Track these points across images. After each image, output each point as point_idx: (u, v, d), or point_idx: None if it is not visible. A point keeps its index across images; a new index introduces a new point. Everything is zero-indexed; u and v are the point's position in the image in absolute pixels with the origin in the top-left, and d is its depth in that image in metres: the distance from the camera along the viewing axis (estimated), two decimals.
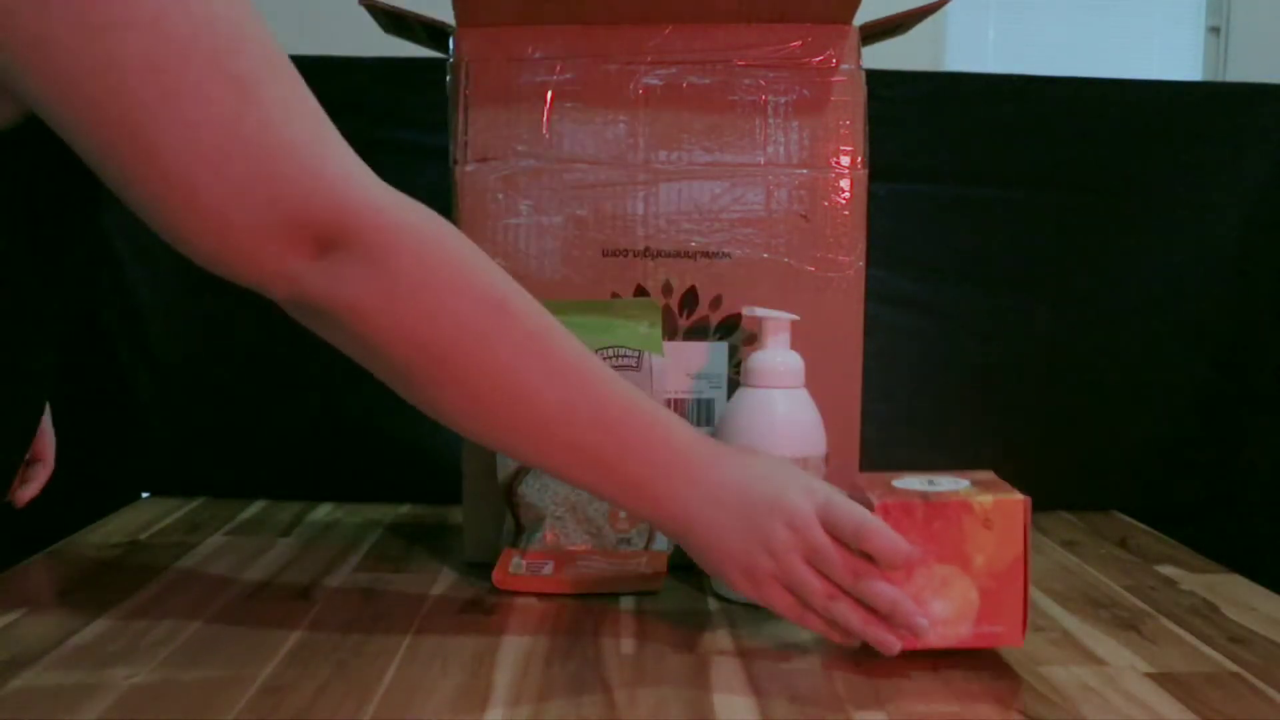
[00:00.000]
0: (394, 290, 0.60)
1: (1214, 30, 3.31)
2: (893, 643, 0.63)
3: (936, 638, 0.65)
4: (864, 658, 0.66)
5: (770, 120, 0.84)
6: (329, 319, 0.62)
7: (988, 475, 0.69)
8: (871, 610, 0.64)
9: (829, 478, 0.78)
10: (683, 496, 0.65)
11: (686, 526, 0.66)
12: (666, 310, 0.83)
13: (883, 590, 0.63)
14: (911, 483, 0.67)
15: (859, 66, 0.84)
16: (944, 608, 0.65)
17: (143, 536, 0.92)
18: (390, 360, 0.63)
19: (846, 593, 0.64)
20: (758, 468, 0.67)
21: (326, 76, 1.03)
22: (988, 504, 0.64)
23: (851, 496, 0.68)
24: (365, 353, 0.63)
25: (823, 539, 0.63)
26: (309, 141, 0.59)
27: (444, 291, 0.61)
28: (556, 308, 0.82)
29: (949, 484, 0.67)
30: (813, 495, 0.64)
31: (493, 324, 0.63)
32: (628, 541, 0.79)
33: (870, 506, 0.65)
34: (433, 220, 0.63)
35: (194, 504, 1.03)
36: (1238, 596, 0.81)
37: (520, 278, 0.83)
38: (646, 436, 0.65)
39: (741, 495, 0.65)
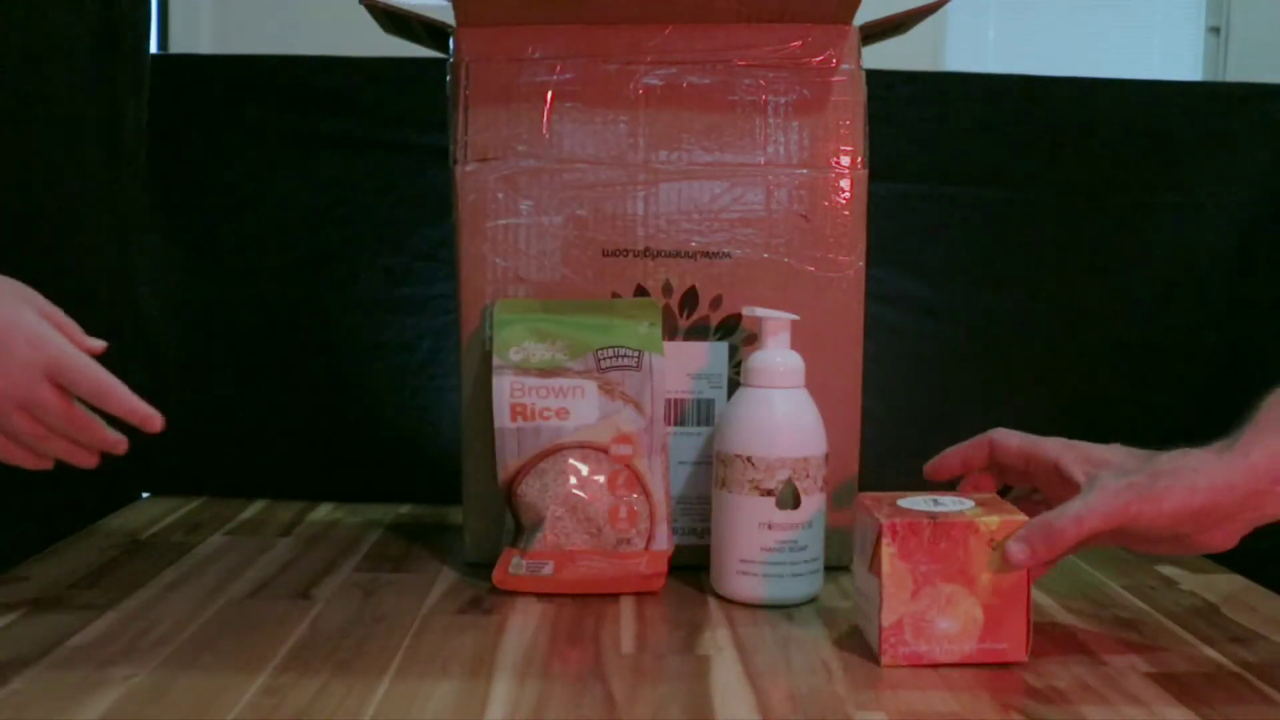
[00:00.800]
0: None
1: (1214, 30, 3.31)
2: (88, 457, 0.70)
3: (942, 653, 0.65)
4: (863, 657, 0.67)
5: (770, 120, 0.84)
6: None
7: (990, 495, 0.70)
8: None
9: (829, 478, 0.78)
10: None
11: None
12: (666, 310, 0.83)
13: (98, 434, 0.69)
14: (917, 502, 0.68)
15: (859, 66, 0.84)
16: (949, 625, 0.65)
17: (143, 536, 0.92)
18: None
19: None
20: None
21: (327, 76, 1.04)
22: (994, 525, 0.65)
23: (859, 516, 0.69)
24: None
25: (45, 398, 0.67)
26: None
27: None
28: (557, 308, 0.83)
29: (953, 504, 0.68)
30: (40, 349, 0.66)
31: None
32: (628, 541, 0.79)
33: (878, 526, 0.65)
34: None
35: (194, 504, 1.03)
36: (1238, 596, 0.81)
37: (520, 278, 0.84)
38: None
39: None
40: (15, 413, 0.67)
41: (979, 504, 0.68)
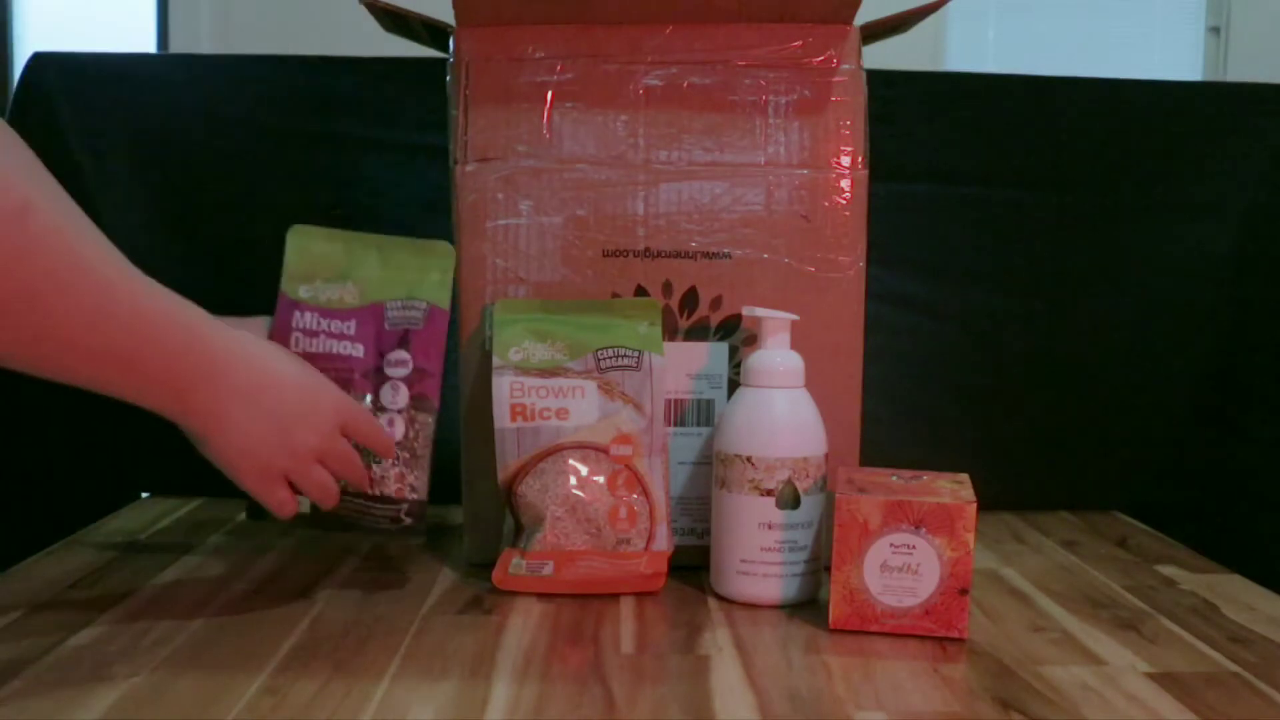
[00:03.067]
0: None
1: (1214, 30, 3.31)
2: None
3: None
4: (864, 657, 0.67)
5: (770, 120, 0.84)
6: None
7: (962, 476, 0.74)
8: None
9: (829, 479, 0.78)
10: (214, 396, 0.67)
11: (216, 426, 0.68)
12: (666, 310, 0.83)
13: (365, 475, 0.75)
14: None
15: (859, 66, 0.84)
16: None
17: (143, 536, 0.92)
18: None
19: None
20: (292, 374, 0.71)
21: (327, 76, 1.04)
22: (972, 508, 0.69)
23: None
24: None
25: (346, 447, 0.73)
26: None
27: None
28: (557, 308, 0.83)
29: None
30: (341, 405, 0.73)
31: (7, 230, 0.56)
32: (628, 542, 0.79)
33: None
34: None
35: (194, 504, 1.03)
36: (1238, 596, 0.81)
37: (520, 278, 0.84)
38: (174, 336, 0.65)
39: (276, 399, 0.69)
40: (318, 469, 0.72)
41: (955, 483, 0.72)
